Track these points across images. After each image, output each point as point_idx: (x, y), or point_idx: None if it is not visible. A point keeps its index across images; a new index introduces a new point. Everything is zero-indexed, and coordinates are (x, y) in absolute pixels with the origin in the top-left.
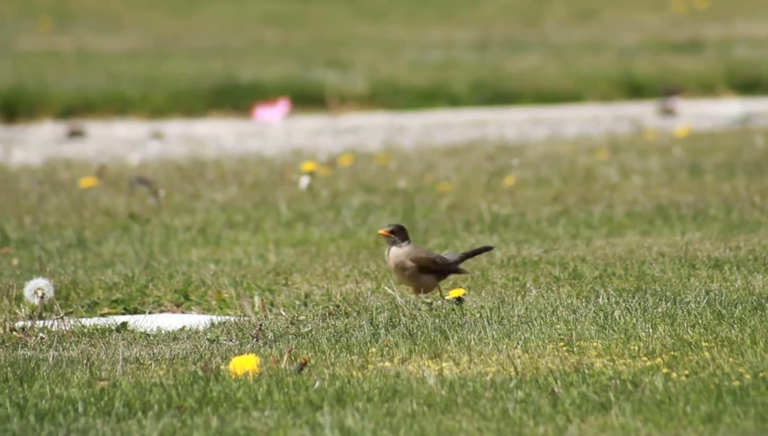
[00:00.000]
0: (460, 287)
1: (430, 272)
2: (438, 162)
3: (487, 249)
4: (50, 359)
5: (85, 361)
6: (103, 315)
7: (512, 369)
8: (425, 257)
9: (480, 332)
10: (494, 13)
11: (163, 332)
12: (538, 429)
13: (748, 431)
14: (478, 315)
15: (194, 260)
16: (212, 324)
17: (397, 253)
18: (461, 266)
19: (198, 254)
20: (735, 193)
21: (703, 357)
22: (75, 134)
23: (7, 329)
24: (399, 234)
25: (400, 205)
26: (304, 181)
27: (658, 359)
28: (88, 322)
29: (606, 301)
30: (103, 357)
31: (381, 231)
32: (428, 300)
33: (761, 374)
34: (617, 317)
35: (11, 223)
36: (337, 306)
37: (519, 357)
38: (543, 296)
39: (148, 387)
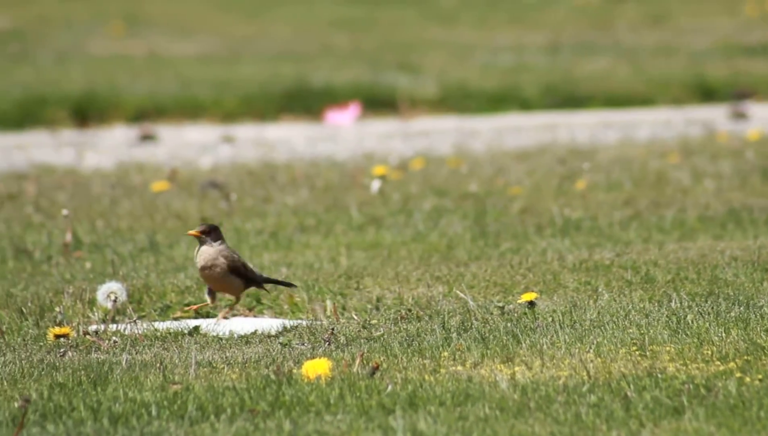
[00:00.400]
0: (532, 291)
1: (239, 275)
2: (509, 165)
3: (289, 285)
4: (123, 362)
5: (158, 364)
6: (175, 319)
7: (585, 373)
8: (238, 258)
9: (552, 336)
10: (565, 16)
11: (235, 335)
12: (611, 433)
13: None
14: (550, 319)
15: (266, 263)
16: (284, 328)
17: (208, 251)
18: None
19: (270, 257)
20: None
21: None
22: (147, 138)
23: (81, 333)
24: (211, 234)
25: (471, 208)
26: (376, 184)
27: (732, 364)
28: (160, 325)
29: (678, 305)
30: (176, 361)
31: (191, 232)
32: (500, 304)
33: None
34: (690, 321)
35: (84, 226)
36: (409, 310)
37: (591, 361)
38: (615, 300)
39: (221, 391)
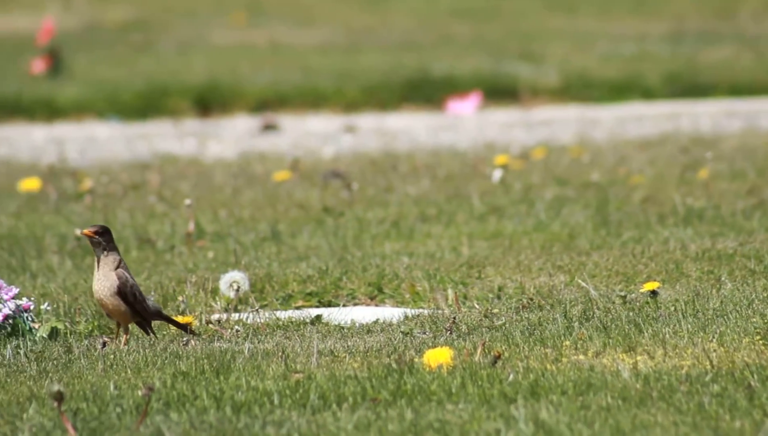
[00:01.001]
0: (655, 281)
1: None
2: (631, 155)
3: (183, 328)
4: (246, 351)
5: (280, 353)
6: (297, 308)
7: (708, 363)
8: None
9: (675, 325)
10: (687, 5)
11: (357, 324)
12: (735, 423)
13: None
14: (672, 308)
15: (387, 253)
16: (406, 317)
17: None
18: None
19: (391, 247)
20: None
21: None
22: (269, 128)
23: (204, 322)
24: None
25: (593, 198)
26: (497, 174)
27: None
28: (282, 315)
29: None
30: (298, 350)
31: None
32: (622, 293)
33: None
34: None
35: (207, 216)
36: (531, 299)
37: (714, 351)
38: (738, 290)
39: (343, 379)
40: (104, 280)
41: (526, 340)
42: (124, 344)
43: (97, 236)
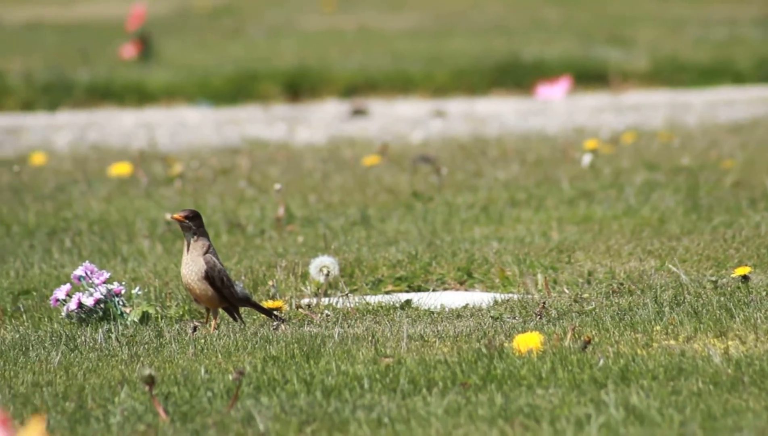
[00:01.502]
0: (746, 265)
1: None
2: (722, 139)
3: (270, 314)
4: (336, 336)
5: (370, 338)
6: (387, 293)
7: None
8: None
9: (766, 310)
10: None
11: (446, 309)
12: None
13: None
14: (764, 293)
15: (477, 237)
16: (495, 302)
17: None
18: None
19: (480, 231)
20: None
21: None
22: (358, 113)
23: (294, 306)
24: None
25: (683, 182)
26: (587, 158)
27: None
28: (372, 299)
29: None
30: (388, 334)
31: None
32: (713, 278)
33: None
34: None
35: (296, 201)
36: (621, 284)
37: None
38: None
39: (433, 364)
40: (192, 264)
41: (617, 325)
42: (214, 329)
43: (187, 221)
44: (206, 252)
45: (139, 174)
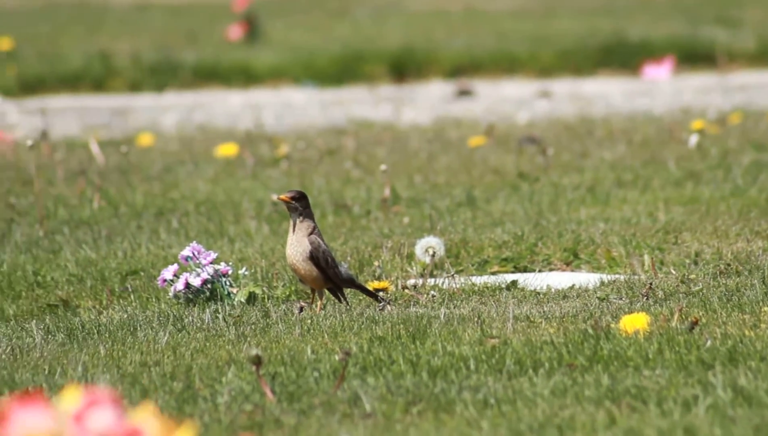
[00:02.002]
0: None
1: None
2: None
3: (375, 296)
4: (441, 316)
5: (475, 319)
6: (493, 273)
7: None
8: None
9: None
10: None
11: (552, 290)
12: None
13: None
14: None
15: (583, 218)
16: (602, 282)
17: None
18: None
19: (587, 212)
20: None
21: None
22: (463, 93)
23: (400, 287)
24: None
25: None
26: (693, 139)
27: None
28: (478, 280)
29: None
30: (494, 315)
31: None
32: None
33: None
34: None
35: (402, 181)
36: (728, 265)
37: None
38: None
39: (539, 345)
40: (297, 245)
41: (724, 306)
42: (320, 310)
43: (293, 202)
44: (311, 233)
45: (246, 155)
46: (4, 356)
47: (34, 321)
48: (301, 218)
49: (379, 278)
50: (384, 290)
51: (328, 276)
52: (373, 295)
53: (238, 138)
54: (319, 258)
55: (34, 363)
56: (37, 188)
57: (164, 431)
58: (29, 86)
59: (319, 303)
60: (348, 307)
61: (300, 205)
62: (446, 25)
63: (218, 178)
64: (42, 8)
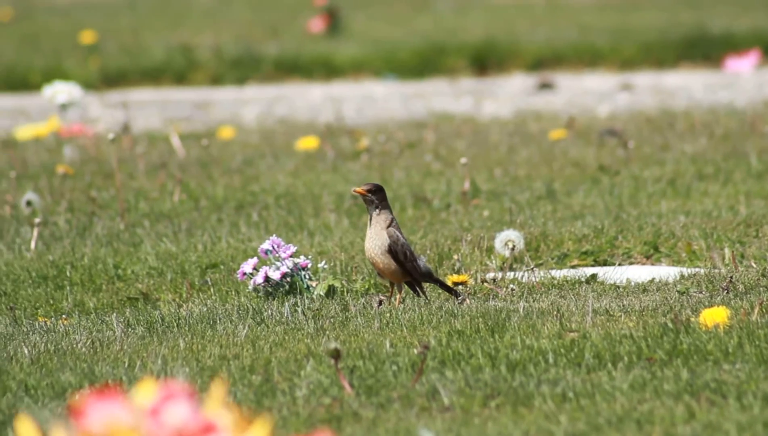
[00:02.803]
0: None
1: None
2: None
3: (452, 292)
4: (521, 310)
5: (554, 312)
6: (572, 267)
7: None
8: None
9: None
10: None
11: (632, 283)
12: None
13: None
14: None
15: (663, 211)
16: (682, 276)
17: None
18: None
19: (667, 205)
20: None
21: None
22: (545, 86)
23: (479, 280)
24: (378, 194)
25: None
26: None
27: None
28: (557, 273)
29: None
30: (573, 309)
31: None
32: None
33: None
34: None
35: (482, 174)
36: None
37: None
38: None
39: (618, 339)
40: (376, 238)
41: None
42: (399, 303)
43: (369, 194)
44: (389, 226)
45: (326, 148)
46: (84, 349)
47: (115, 314)
48: (378, 210)
49: (458, 272)
50: (463, 283)
51: (407, 270)
52: (451, 290)
53: (319, 131)
54: (398, 251)
55: (114, 356)
56: (118, 182)
57: (239, 425)
58: (111, 79)
59: (398, 297)
60: (426, 301)
61: (376, 197)
62: (528, 18)
63: (298, 172)
64: (125, 2)
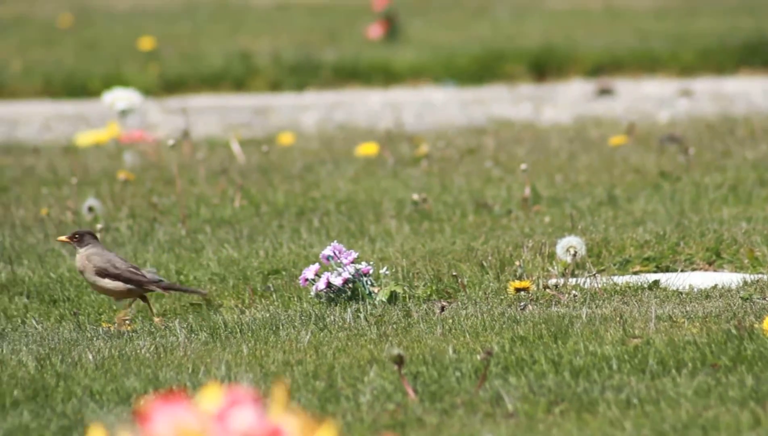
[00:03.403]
0: None
1: (110, 276)
2: None
3: (199, 293)
4: (583, 316)
5: (617, 318)
6: (634, 273)
7: None
8: (102, 259)
9: None
10: None
11: (695, 290)
12: None
13: None
14: None
15: (725, 217)
16: (744, 282)
17: (79, 256)
18: (164, 288)
19: (729, 211)
20: None
21: None
22: (604, 92)
23: (541, 286)
24: (80, 239)
25: None
26: None
27: None
28: (619, 280)
29: None
30: (636, 315)
31: (60, 238)
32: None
33: None
34: None
35: (542, 181)
36: None
37: None
38: None
39: (682, 345)
40: (82, 271)
41: None
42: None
43: (72, 241)
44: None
45: (386, 154)
46: (148, 355)
47: (178, 320)
48: (86, 248)
49: (520, 278)
50: (526, 289)
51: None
52: (192, 291)
53: (378, 137)
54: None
55: (178, 362)
56: (179, 187)
57: (305, 430)
58: (171, 86)
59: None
60: (493, 304)
61: (79, 243)
62: (586, 24)
63: (358, 178)
64: (183, 8)
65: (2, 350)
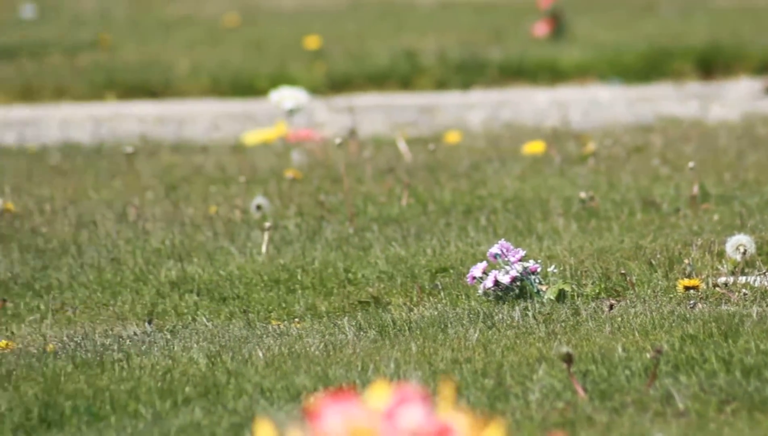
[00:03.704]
0: None
1: None
2: None
3: None
4: (754, 314)
5: None
6: None
7: None
8: None
9: None
10: None
11: None
12: None
13: None
14: None
15: None
16: None
17: None
18: None
19: None
20: None
21: None
22: None
23: (710, 285)
24: None
25: None
26: None
27: None
28: None
29: None
30: None
31: None
32: None
33: None
34: None
35: (711, 179)
36: None
37: None
38: None
39: None
40: None
41: None
42: None
43: None
44: None
45: (553, 152)
46: (317, 352)
47: (346, 318)
48: None
49: (689, 276)
50: (695, 287)
51: None
52: None
53: (545, 135)
54: None
55: (347, 359)
56: (346, 186)
57: (474, 429)
58: (337, 84)
59: None
60: (661, 302)
61: None
62: (753, 22)
63: (525, 176)
64: (349, 7)
65: (174, 348)
